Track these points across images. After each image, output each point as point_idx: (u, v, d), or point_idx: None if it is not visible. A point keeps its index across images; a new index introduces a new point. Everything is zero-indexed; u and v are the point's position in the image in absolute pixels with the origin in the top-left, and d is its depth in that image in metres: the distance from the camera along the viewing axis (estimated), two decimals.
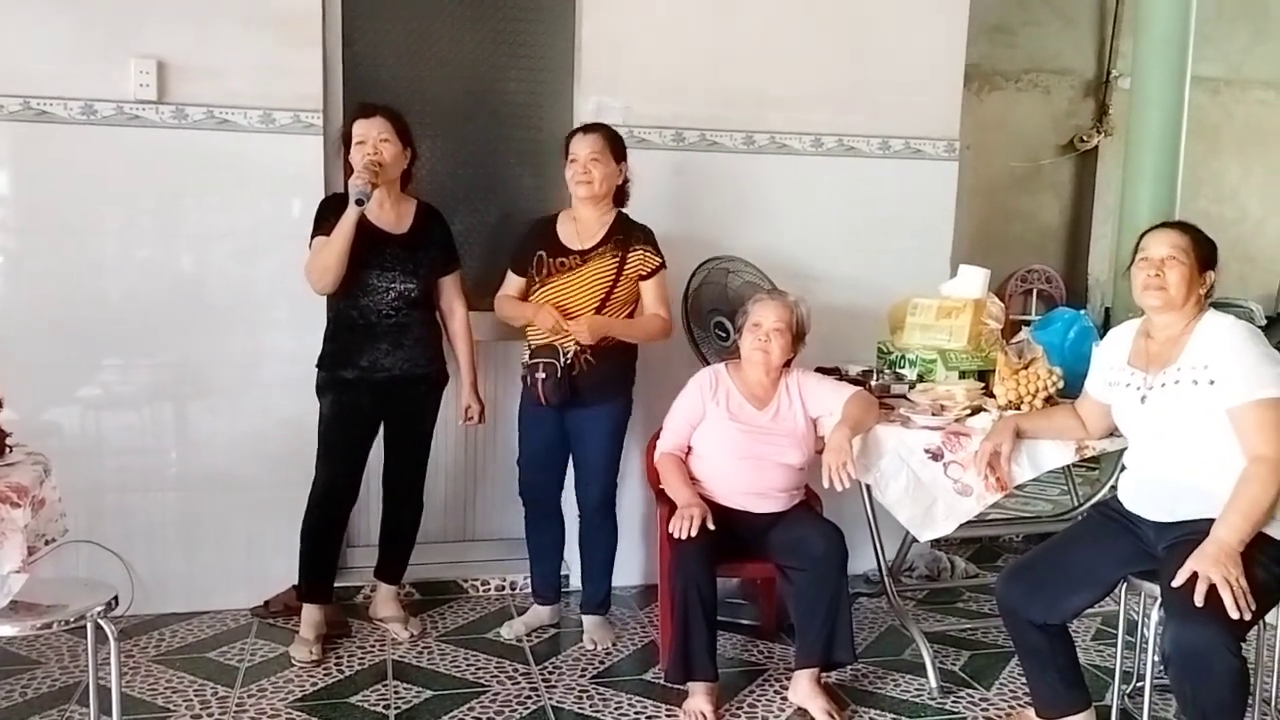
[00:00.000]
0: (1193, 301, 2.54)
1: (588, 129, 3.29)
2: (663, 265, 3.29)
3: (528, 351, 3.30)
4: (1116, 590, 2.72)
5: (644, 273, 3.27)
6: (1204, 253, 2.57)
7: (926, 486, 2.99)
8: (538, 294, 3.28)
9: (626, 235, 3.27)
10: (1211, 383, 2.43)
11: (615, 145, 3.28)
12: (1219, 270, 2.59)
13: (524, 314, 3.30)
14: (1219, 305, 2.68)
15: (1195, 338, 2.51)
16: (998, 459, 2.86)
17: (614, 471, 3.37)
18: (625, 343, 3.30)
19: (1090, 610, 2.89)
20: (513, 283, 3.37)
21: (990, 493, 2.90)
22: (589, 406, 3.26)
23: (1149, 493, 2.58)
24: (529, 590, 3.63)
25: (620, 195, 3.34)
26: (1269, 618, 2.60)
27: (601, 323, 3.20)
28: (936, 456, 2.98)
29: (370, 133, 3.13)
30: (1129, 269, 2.64)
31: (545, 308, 3.22)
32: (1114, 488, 2.79)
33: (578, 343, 3.19)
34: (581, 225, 3.29)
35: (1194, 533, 2.42)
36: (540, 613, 3.54)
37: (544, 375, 3.20)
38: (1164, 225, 2.65)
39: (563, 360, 3.19)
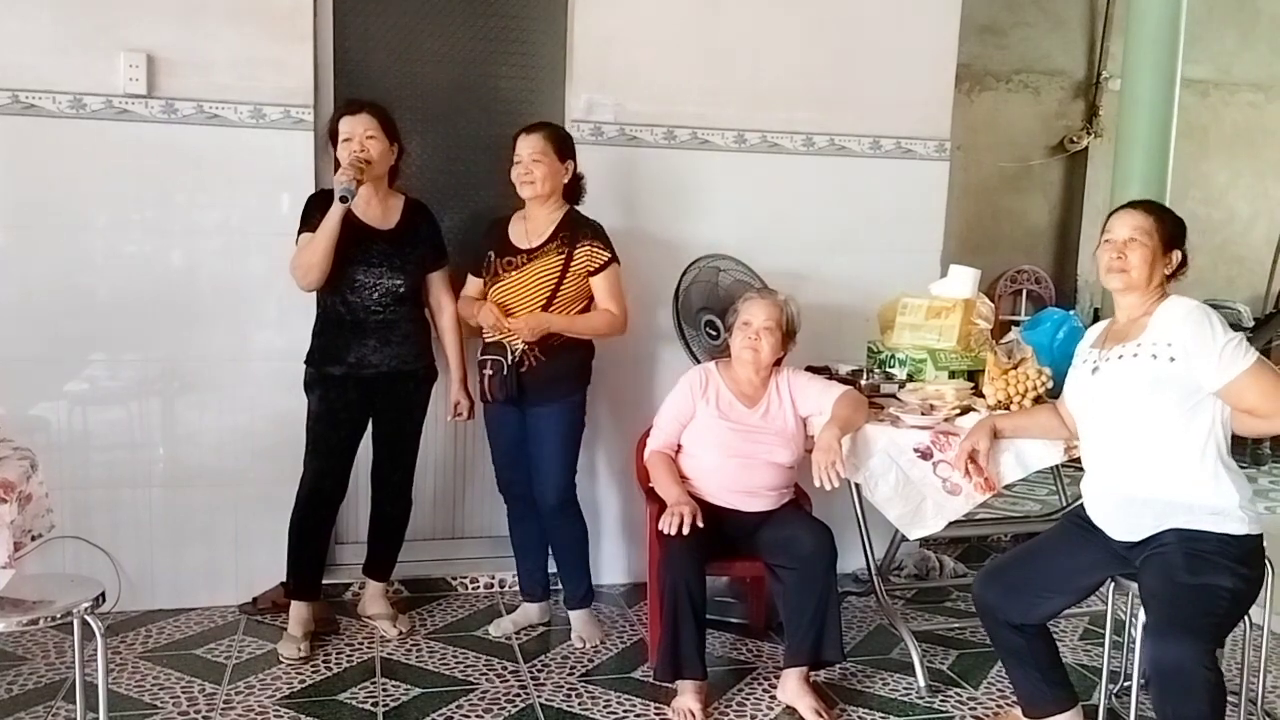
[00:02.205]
0: (1156, 283, 2.54)
1: (531, 129, 3.28)
2: (612, 260, 3.26)
3: (480, 348, 3.31)
4: (1103, 590, 2.73)
5: (592, 268, 3.24)
6: (1170, 232, 2.55)
7: (916, 485, 2.99)
8: (490, 294, 3.29)
9: (574, 231, 3.25)
10: (1172, 360, 2.42)
11: (560, 144, 3.27)
12: (1191, 250, 2.57)
13: (470, 313, 3.31)
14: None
15: (1157, 318, 2.49)
16: (977, 457, 2.86)
17: (569, 470, 3.36)
18: (576, 340, 3.28)
19: (1077, 610, 2.90)
20: (472, 284, 3.39)
21: (979, 493, 2.91)
22: (542, 404, 3.26)
23: (1109, 511, 2.57)
24: (518, 588, 3.63)
25: (572, 192, 3.33)
26: (1254, 617, 2.61)
27: (541, 319, 3.19)
28: (925, 456, 2.98)
29: (356, 129, 3.12)
30: (1096, 250, 2.64)
31: (486, 305, 3.24)
32: None
33: (525, 340, 3.19)
34: (531, 224, 3.29)
35: (1161, 546, 2.43)
36: (529, 611, 3.54)
37: (490, 372, 3.23)
38: (1129, 206, 2.64)
39: (510, 358, 3.20)
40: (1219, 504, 2.42)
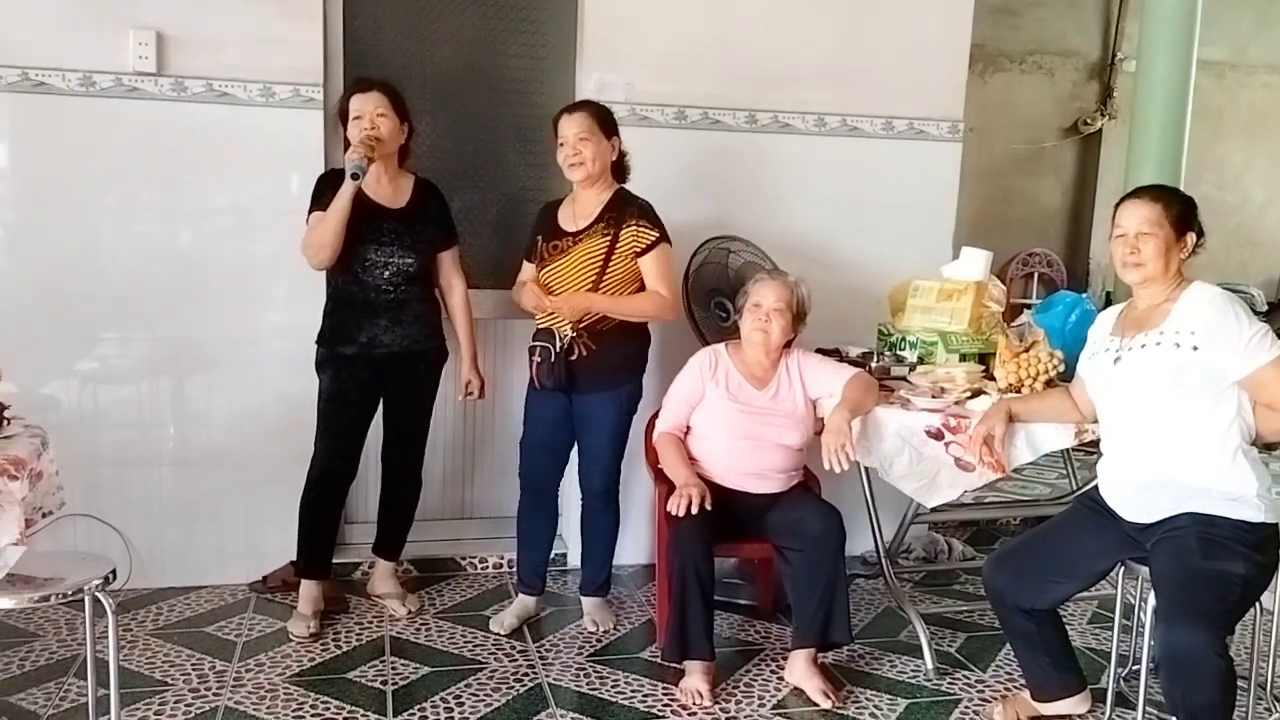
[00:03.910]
0: (1174, 270, 2.52)
1: (572, 108, 3.22)
2: (660, 239, 3.18)
3: (532, 334, 3.27)
4: (1112, 574, 2.72)
5: (639, 249, 3.16)
6: (1179, 215, 2.53)
7: (930, 461, 2.98)
8: (537, 278, 3.25)
9: (620, 212, 3.18)
10: (1195, 349, 2.41)
11: (604, 121, 3.19)
12: (1203, 234, 2.55)
13: (518, 297, 3.28)
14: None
15: (1180, 305, 2.48)
16: (992, 441, 2.85)
17: (618, 459, 3.33)
18: (628, 326, 3.21)
19: (1086, 594, 2.89)
20: (525, 270, 3.34)
21: (991, 471, 2.90)
22: (593, 392, 3.22)
23: (1126, 494, 2.56)
24: (516, 579, 3.62)
25: (619, 171, 3.27)
26: (1265, 601, 2.60)
27: (580, 298, 3.13)
28: (937, 438, 2.97)
29: (367, 107, 3.11)
30: (1110, 241, 2.62)
31: (528, 285, 3.19)
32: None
33: (574, 325, 3.15)
34: (579, 206, 3.24)
35: (1175, 529, 2.43)
36: (526, 603, 3.46)
37: (539, 359, 3.18)
38: (1134, 195, 2.60)
39: (559, 344, 3.16)
40: (1237, 490, 2.41)
